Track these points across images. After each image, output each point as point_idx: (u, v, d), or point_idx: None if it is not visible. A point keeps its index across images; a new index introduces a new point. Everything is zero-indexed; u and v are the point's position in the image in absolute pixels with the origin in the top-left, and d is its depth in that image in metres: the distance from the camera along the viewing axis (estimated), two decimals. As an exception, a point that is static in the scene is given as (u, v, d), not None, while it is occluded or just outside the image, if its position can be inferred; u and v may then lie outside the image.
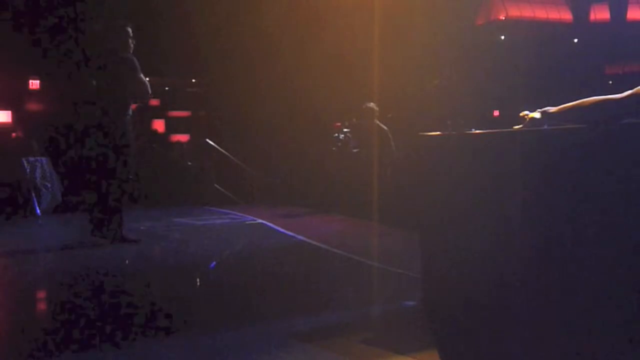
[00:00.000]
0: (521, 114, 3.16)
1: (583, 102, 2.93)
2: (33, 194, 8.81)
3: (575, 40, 19.51)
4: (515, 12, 20.50)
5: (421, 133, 3.65)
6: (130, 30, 6.15)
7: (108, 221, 6.01)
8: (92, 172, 6.18)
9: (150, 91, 6.14)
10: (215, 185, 10.99)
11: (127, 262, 5.57)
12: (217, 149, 11.76)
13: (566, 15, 20.89)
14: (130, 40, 6.12)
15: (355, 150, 9.23)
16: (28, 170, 8.90)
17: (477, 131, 3.38)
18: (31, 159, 9.06)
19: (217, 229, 7.63)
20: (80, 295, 4.23)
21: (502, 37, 19.36)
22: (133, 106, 6.30)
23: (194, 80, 15.08)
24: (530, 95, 13.50)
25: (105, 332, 3.31)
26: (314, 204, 9.32)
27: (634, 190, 2.60)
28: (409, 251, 4.74)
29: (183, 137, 14.15)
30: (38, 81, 12.32)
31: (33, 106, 12.37)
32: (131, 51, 6.12)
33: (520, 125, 3.15)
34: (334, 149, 9.66)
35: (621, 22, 19.32)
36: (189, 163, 11.66)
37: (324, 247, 5.94)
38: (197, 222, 7.99)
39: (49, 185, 9.07)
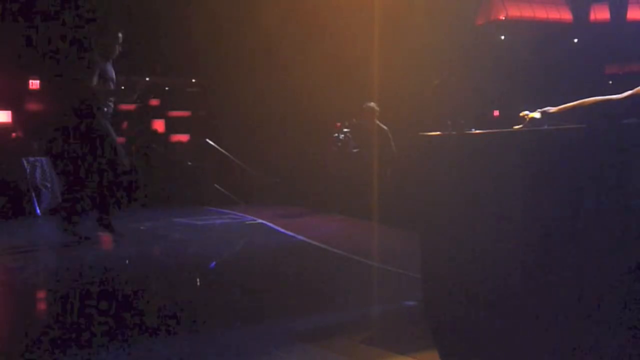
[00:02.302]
0: (521, 114, 3.16)
1: (583, 102, 2.93)
2: (33, 194, 8.81)
3: (575, 40, 19.50)
4: (515, 12, 20.49)
5: (421, 133, 3.65)
6: (120, 36, 6.16)
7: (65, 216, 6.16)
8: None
9: (96, 97, 5.94)
10: (215, 185, 10.98)
11: (127, 261, 5.58)
12: (217, 149, 11.75)
13: (566, 15, 20.88)
14: (117, 46, 6.14)
15: (355, 150, 9.23)
16: (28, 170, 8.90)
17: (477, 131, 3.38)
18: (31, 159, 9.06)
19: (217, 229, 7.62)
20: (79, 294, 4.23)
21: (502, 37, 19.35)
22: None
23: (194, 80, 15.08)
24: (530, 95, 13.51)
25: (105, 331, 3.31)
26: (314, 204, 9.31)
27: (633, 190, 2.60)
28: (409, 251, 4.73)
29: (183, 137, 14.14)
30: (38, 81, 12.31)
31: (33, 106, 12.37)
32: (114, 56, 6.15)
33: (520, 125, 3.16)
34: (334, 149, 9.65)
35: (621, 22, 19.30)
36: (189, 163, 11.65)
37: (323, 247, 5.94)
38: (197, 222, 7.98)
39: (49, 185, 9.07)
